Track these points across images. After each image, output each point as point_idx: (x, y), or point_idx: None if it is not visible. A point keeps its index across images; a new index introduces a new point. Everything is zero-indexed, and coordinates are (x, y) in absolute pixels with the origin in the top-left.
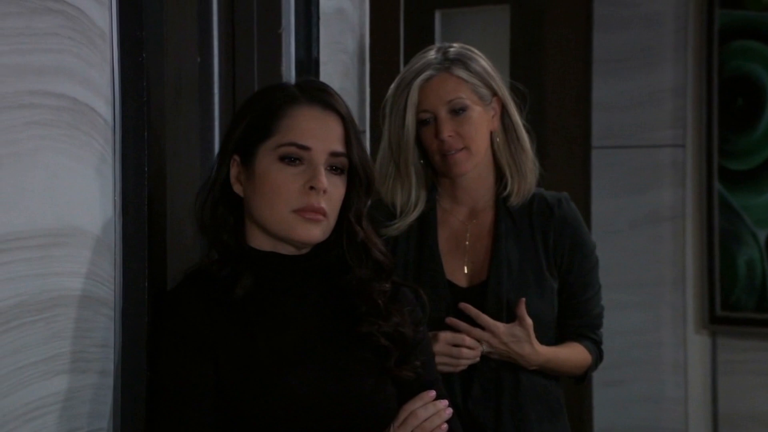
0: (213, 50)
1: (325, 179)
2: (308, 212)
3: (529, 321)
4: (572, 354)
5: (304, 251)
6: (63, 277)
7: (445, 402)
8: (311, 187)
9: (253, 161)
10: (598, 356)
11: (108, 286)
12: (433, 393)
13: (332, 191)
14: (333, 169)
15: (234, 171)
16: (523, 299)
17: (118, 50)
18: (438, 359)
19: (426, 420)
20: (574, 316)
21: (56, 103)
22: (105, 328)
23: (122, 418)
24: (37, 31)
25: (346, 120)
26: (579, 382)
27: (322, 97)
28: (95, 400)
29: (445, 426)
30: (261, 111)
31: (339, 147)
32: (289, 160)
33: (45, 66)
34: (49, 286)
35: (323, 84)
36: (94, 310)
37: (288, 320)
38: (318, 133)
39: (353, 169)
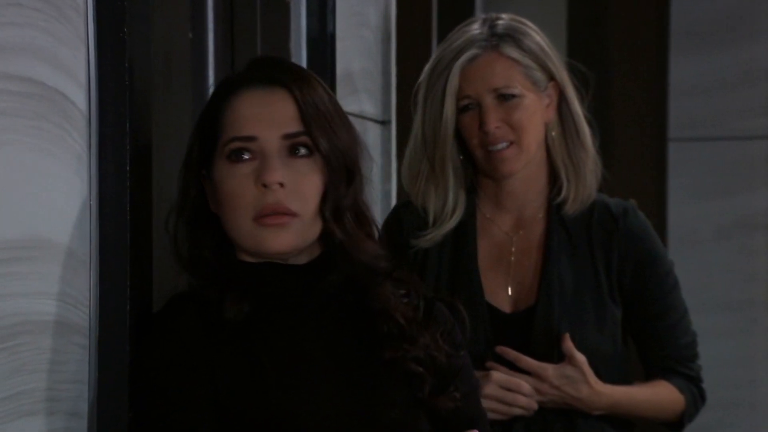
0: (207, 24)
1: (278, 170)
2: (269, 217)
3: (580, 357)
4: (655, 394)
5: (302, 260)
6: (29, 299)
7: None
8: (264, 185)
9: (212, 174)
10: (696, 395)
11: (82, 310)
12: None
13: (297, 181)
14: (295, 154)
15: (207, 188)
16: (567, 334)
17: (94, 24)
18: (486, 404)
19: None
20: (656, 347)
21: (21, 88)
22: (78, 360)
23: None
24: None
25: (294, 92)
26: (675, 430)
27: (264, 73)
28: None
29: None
30: (207, 113)
31: (293, 126)
32: (236, 157)
33: (7, 44)
34: (13, 310)
35: (270, 58)
36: (66, 339)
37: (296, 341)
38: (263, 117)
39: (320, 153)
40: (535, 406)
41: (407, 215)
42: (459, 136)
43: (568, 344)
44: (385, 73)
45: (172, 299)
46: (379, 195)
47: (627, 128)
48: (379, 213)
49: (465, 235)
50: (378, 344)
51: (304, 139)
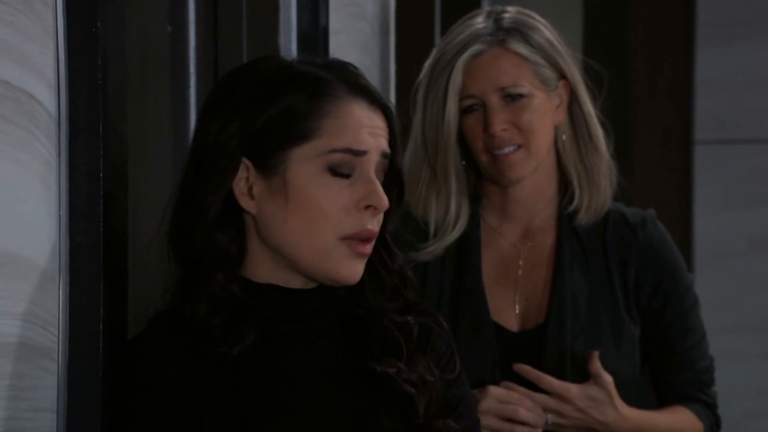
0: (188, 16)
1: (385, 195)
2: (359, 243)
3: (607, 378)
4: (676, 420)
5: (313, 285)
6: None
7: None
8: (367, 206)
9: (278, 170)
10: (713, 423)
11: (50, 331)
12: None
13: None
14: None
15: (242, 181)
16: (596, 352)
17: (64, 17)
18: (484, 421)
19: None
20: (675, 371)
21: None
22: (47, 386)
23: None
24: None
25: (391, 114)
26: None
27: (365, 89)
28: None
29: None
30: (290, 105)
31: (386, 147)
32: (339, 170)
33: None
34: None
35: (353, 66)
36: (32, 363)
37: (289, 373)
38: (371, 132)
39: (391, 175)
40: (542, 422)
41: (405, 226)
42: (462, 139)
43: (596, 363)
44: (384, 70)
45: (152, 320)
46: None
47: (649, 130)
48: None
49: (468, 247)
50: (374, 378)
51: (386, 163)
